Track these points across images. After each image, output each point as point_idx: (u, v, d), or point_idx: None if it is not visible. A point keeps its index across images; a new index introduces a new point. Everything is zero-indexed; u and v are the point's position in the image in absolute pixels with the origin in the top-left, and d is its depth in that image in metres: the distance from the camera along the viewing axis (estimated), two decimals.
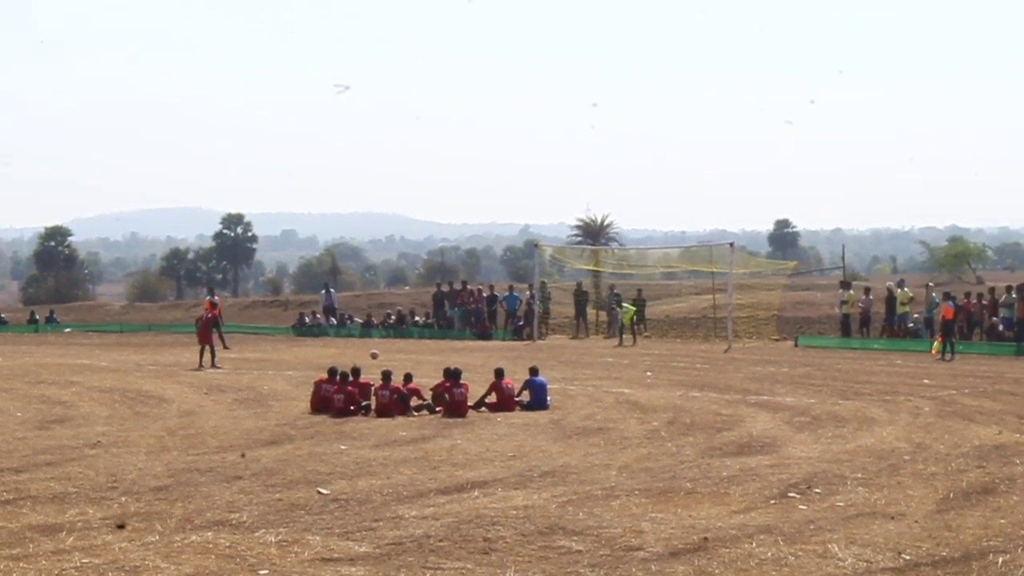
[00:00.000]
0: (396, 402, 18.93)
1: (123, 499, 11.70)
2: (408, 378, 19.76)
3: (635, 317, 40.16)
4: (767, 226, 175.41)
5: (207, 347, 29.02)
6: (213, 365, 28.38)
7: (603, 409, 19.50)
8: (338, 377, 19.62)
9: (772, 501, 11.64)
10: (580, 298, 43.79)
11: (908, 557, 9.33)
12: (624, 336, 39.15)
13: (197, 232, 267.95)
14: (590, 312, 45.04)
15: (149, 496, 11.86)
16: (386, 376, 19.30)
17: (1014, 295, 34.62)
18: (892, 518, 10.76)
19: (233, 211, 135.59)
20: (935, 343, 32.48)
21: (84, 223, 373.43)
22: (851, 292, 39.31)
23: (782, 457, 14.39)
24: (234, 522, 10.59)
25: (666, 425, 17.43)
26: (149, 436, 16.45)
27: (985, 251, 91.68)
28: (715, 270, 43.65)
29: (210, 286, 65.34)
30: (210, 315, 32.44)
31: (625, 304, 40.45)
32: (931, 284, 43.78)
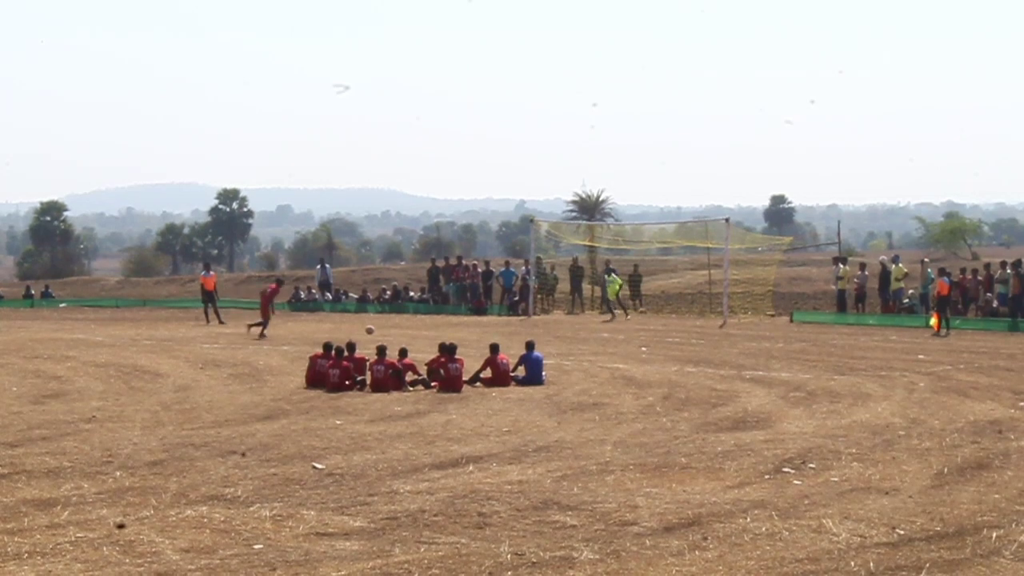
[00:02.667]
0: (391, 377, 18.92)
1: (118, 474, 11.69)
2: (403, 353, 19.74)
3: (621, 290, 40.00)
4: (763, 202, 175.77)
5: (267, 320, 31.05)
6: (256, 333, 30.30)
7: (598, 384, 19.51)
8: (333, 352, 19.61)
9: (767, 476, 11.65)
10: (576, 273, 43.74)
11: (902, 532, 9.34)
12: (615, 311, 39.03)
13: (193, 207, 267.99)
14: (586, 287, 45.02)
15: (144, 471, 11.86)
16: (381, 351, 19.28)
17: (1009, 271, 34.63)
18: (886, 493, 10.78)
19: (229, 186, 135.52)
20: (932, 318, 32.50)
21: (80, 198, 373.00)
22: (846, 268, 39.28)
23: (777, 432, 14.40)
24: (229, 497, 10.59)
25: (661, 400, 17.44)
26: (144, 411, 16.44)
27: (981, 227, 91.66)
28: (711, 246, 43.61)
29: (206, 261, 65.28)
30: (272, 288, 33.41)
31: (614, 275, 40.26)
32: (926, 260, 43.76)
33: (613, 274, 40.33)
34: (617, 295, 39.57)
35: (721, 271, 39.73)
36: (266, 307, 31.50)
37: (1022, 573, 8.32)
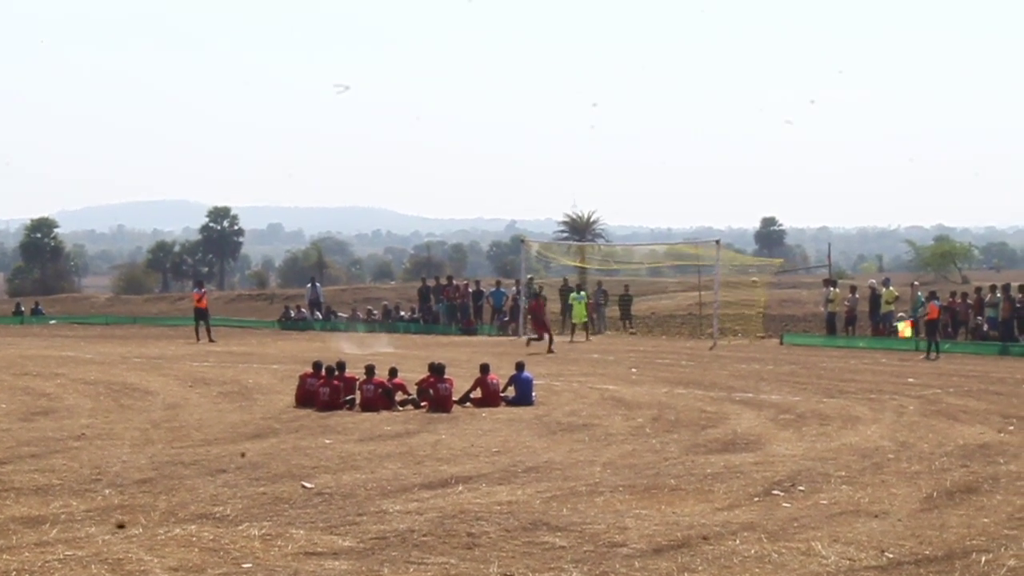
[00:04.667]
0: (381, 397, 18.89)
1: (107, 492, 11.66)
2: (393, 373, 19.72)
3: (590, 310, 39.97)
4: (753, 224, 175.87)
5: (546, 334, 33.23)
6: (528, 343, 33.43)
7: (588, 405, 19.51)
8: (323, 371, 19.57)
9: (756, 499, 11.66)
10: (566, 294, 43.71)
11: (891, 555, 9.36)
12: (574, 334, 38.91)
13: (183, 225, 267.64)
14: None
15: (133, 489, 11.84)
16: (370, 371, 19.27)
17: (999, 295, 34.74)
18: (876, 516, 10.80)
19: (220, 204, 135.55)
20: (906, 328, 32.90)
21: (71, 215, 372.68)
22: (836, 290, 39.35)
23: (766, 455, 14.41)
24: (218, 515, 10.58)
25: (651, 422, 17.45)
26: (133, 429, 16.40)
27: (971, 251, 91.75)
28: (701, 265, 43.69)
29: (198, 279, 65.24)
30: (535, 304, 35.55)
31: (582, 292, 40.12)
32: (916, 283, 43.87)
33: (581, 291, 40.24)
34: (584, 316, 39.33)
35: (711, 293, 39.80)
36: (541, 322, 34.12)
37: None
